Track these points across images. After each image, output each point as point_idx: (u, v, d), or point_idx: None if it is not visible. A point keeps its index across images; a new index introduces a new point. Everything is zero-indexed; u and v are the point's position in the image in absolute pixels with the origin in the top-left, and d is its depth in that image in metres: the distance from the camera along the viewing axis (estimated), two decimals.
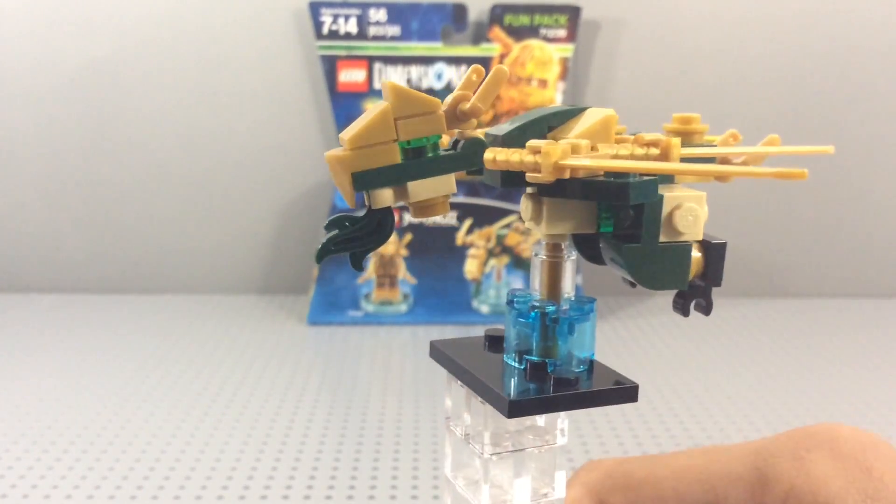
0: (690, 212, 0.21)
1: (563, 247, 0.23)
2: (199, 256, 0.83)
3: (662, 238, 0.21)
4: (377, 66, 0.75)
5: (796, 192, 0.82)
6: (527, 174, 0.20)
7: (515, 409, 0.22)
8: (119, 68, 0.78)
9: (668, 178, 0.22)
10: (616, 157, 0.20)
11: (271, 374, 0.60)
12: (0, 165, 0.80)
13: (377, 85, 0.75)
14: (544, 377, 0.23)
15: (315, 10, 0.74)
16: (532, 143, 0.20)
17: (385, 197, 0.21)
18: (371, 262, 0.73)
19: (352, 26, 0.74)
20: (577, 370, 0.23)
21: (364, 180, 0.21)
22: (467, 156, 0.21)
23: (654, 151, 0.20)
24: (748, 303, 0.81)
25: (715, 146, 0.24)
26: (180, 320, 0.74)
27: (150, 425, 0.52)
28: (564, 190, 0.21)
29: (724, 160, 0.23)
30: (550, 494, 0.25)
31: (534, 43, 0.75)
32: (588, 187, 0.20)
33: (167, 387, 0.58)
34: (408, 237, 0.74)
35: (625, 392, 0.23)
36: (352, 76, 0.75)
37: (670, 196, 0.21)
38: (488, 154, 0.20)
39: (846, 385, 0.59)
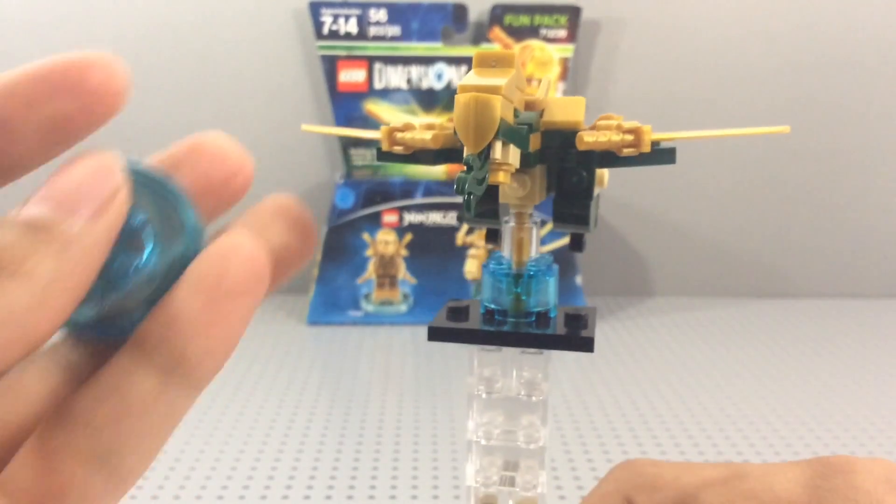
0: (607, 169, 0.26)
1: (528, 215, 0.26)
2: None
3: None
4: (377, 66, 0.75)
5: (796, 191, 0.82)
6: (623, 149, 0.23)
7: (594, 343, 0.25)
8: None
9: None
10: (609, 140, 0.24)
11: (271, 375, 0.60)
12: None
13: (377, 85, 0.75)
14: (548, 321, 0.26)
15: (315, 10, 0.74)
16: (621, 123, 0.23)
17: (498, 148, 0.21)
18: (371, 262, 0.73)
19: (352, 26, 0.74)
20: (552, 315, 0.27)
21: (518, 130, 0.21)
22: (527, 139, 0.23)
23: (629, 138, 0.23)
24: (748, 303, 0.81)
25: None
26: None
27: None
28: (600, 160, 0.24)
29: None
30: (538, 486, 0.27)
31: (534, 43, 0.75)
32: (645, 154, 0.23)
33: None
34: (408, 237, 0.73)
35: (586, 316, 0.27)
36: (352, 76, 0.75)
37: None
38: (580, 136, 0.23)
39: (847, 385, 0.59)
